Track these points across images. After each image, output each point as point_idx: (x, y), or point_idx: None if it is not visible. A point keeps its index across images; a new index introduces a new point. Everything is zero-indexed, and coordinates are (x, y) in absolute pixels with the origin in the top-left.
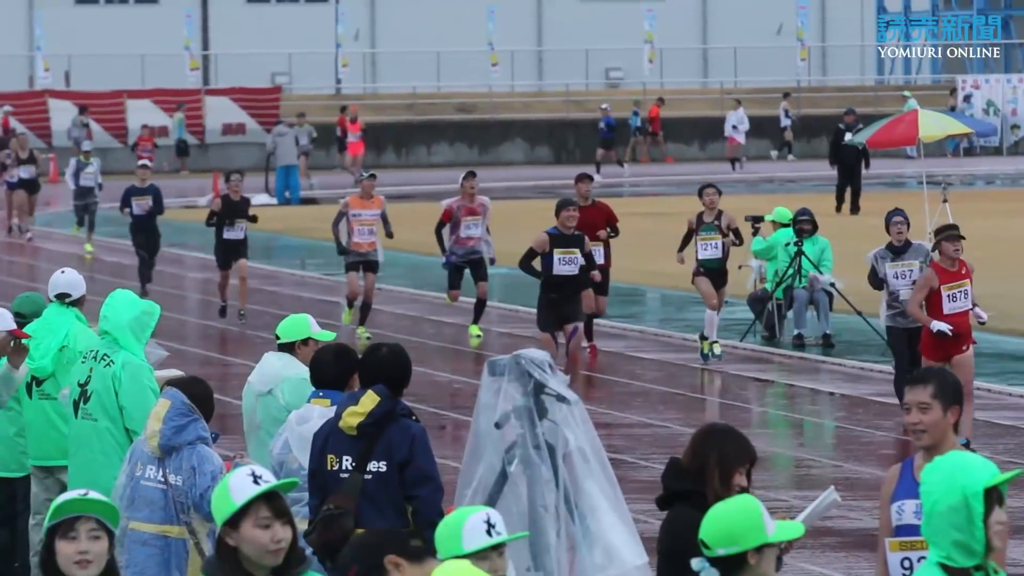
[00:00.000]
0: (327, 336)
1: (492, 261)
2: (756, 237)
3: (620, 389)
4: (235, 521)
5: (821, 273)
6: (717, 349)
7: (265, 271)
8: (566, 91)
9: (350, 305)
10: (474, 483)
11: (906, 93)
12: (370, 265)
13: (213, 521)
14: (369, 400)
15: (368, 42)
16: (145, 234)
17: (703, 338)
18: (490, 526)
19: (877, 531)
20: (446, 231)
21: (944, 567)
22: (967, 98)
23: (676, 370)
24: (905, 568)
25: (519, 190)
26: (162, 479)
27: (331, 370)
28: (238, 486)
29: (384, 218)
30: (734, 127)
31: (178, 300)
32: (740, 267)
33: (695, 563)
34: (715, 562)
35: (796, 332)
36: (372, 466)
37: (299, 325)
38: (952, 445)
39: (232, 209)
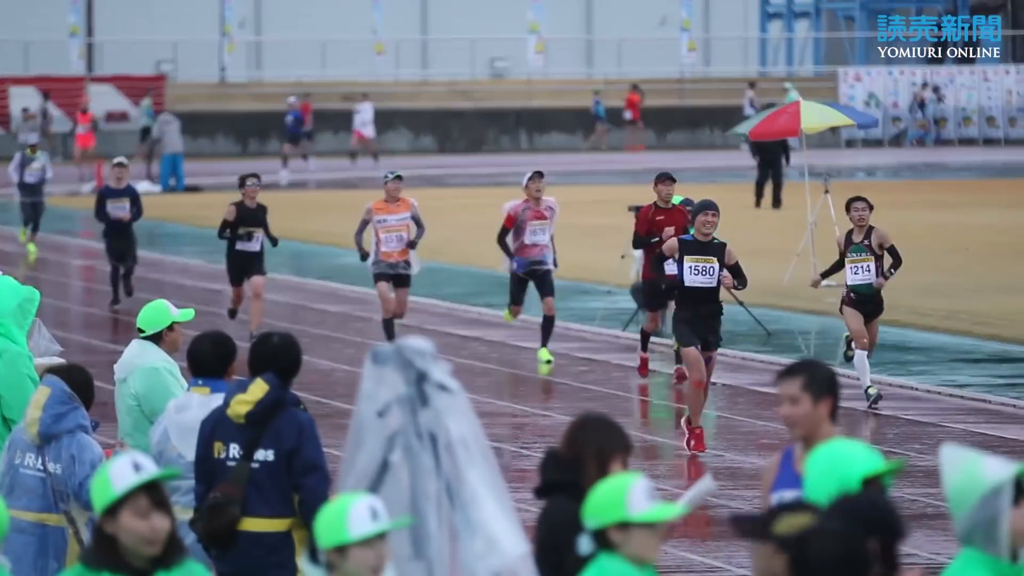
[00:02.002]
0: (187, 315)
1: (555, 264)
2: None
3: (502, 378)
4: (114, 510)
5: None
6: (873, 390)
7: (150, 258)
8: (451, 81)
9: (389, 328)
10: (355, 473)
11: (787, 85)
12: (401, 279)
13: (92, 510)
14: (258, 388)
15: (253, 30)
16: (120, 240)
17: (868, 390)
18: (374, 513)
19: None
20: (510, 238)
21: None
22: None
23: (558, 359)
24: None
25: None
26: (41, 467)
27: (209, 359)
28: (118, 474)
29: (417, 222)
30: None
31: (60, 287)
32: (623, 256)
33: (581, 539)
34: (595, 538)
35: None
36: (259, 455)
37: (159, 314)
38: (829, 434)
39: (247, 218)
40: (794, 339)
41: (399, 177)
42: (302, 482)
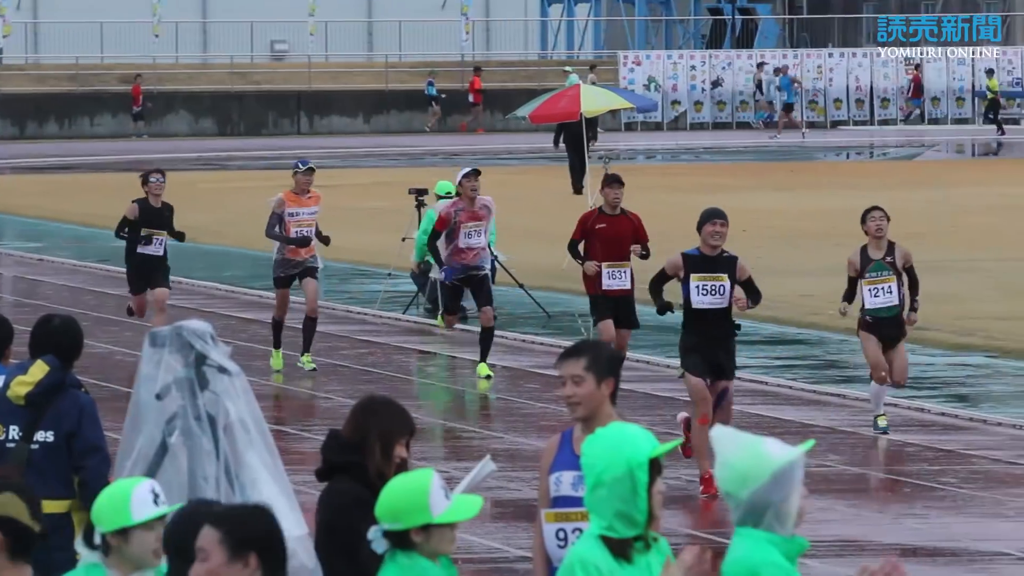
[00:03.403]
0: None
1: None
2: (428, 211)
3: (284, 360)
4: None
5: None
6: (883, 422)
7: None
8: (231, 63)
9: (277, 338)
10: (134, 454)
11: (568, 68)
12: (309, 270)
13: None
14: (38, 370)
15: (30, 12)
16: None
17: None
18: (156, 496)
19: (536, 502)
20: (442, 242)
21: (605, 539)
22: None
23: (339, 342)
24: (560, 539)
25: (182, 162)
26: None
27: None
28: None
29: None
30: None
31: None
32: (404, 239)
33: (371, 532)
34: (387, 536)
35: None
36: (39, 436)
37: None
38: (609, 417)
39: (151, 219)
40: (574, 321)
41: (311, 169)
42: (82, 464)
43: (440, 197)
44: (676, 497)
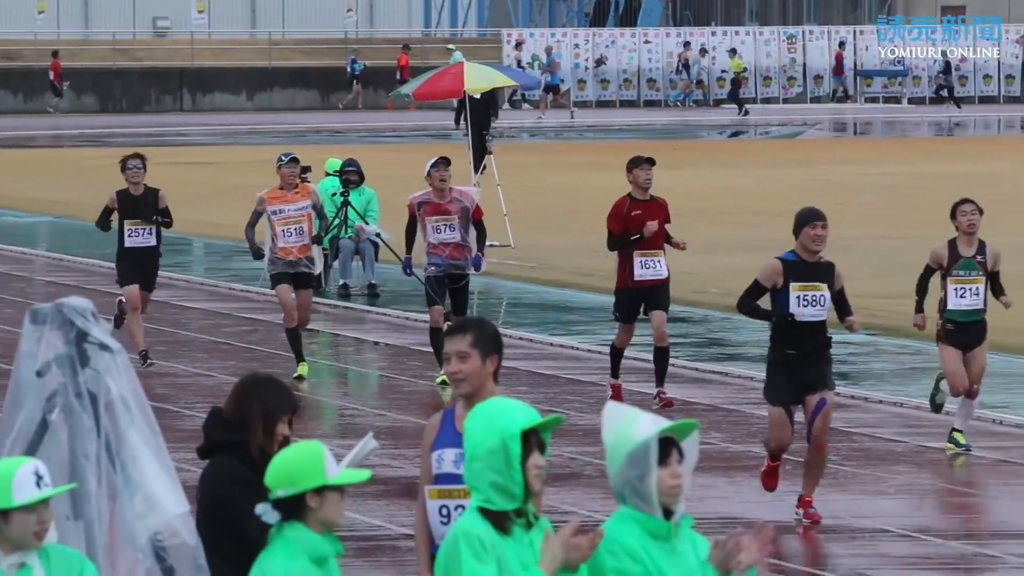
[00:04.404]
0: None
1: (477, 267)
2: (316, 186)
3: (166, 338)
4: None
5: (367, 223)
6: (962, 439)
7: None
8: (113, 39)
9: (295, 340)
10: (14, 433)
11: (451, 46)
12: (302, 279)
13: None
14: None
15: None
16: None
17: (954, 432)
18: (39, 478)
19: (419, 479)
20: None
21: (483, 511)
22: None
23: (221, 319)
24: (443, 516)
25: (65, 139)
26: None
27: None
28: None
29: (319, 212)
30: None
31: None
32: None
33: (259, 508)
34: (278, 506)
35: (341, 282)
36: None
37: None
38: (491, 393)
39: (132, 208)
40: None
41: (295, 160)
42: None
43: (328, 174)
44: (561, 475)
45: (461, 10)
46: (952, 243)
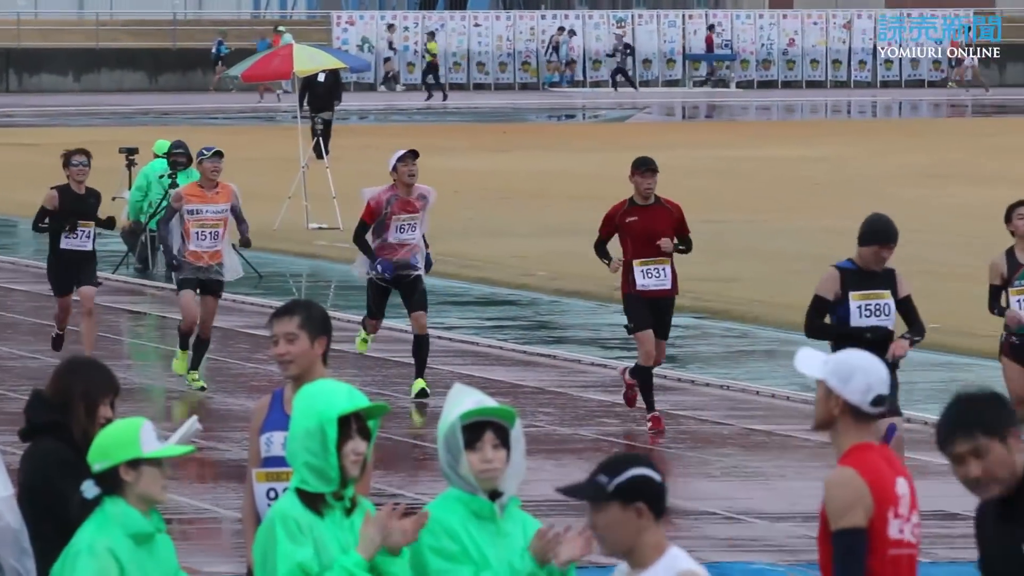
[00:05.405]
0: None
1: (429, 267)
2: (143, 169)
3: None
4: None
5: None
6: None
7: None
8: None
9: (184, 344)
10: None
11: (281, 28)
12: (210, 286)
13: None
14: None
15: None
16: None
17: None
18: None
19: (247, 462)
20: (371, 235)
21: (300, 492)
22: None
23: (46, 301)
24: (270, 499)
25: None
26: None
27: None
28: None
29: (237, 215)
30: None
31: None
32: (114, 199)
33: (84, 485)
34: (97, 480)
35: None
36: None
37: None
38: (321, 375)
39: (74, 208)
40: (285, 281)
41: (219, 153)
42: None
43: (157, 156)
44: (386, 457)
45: None
46: (1010, 252)
